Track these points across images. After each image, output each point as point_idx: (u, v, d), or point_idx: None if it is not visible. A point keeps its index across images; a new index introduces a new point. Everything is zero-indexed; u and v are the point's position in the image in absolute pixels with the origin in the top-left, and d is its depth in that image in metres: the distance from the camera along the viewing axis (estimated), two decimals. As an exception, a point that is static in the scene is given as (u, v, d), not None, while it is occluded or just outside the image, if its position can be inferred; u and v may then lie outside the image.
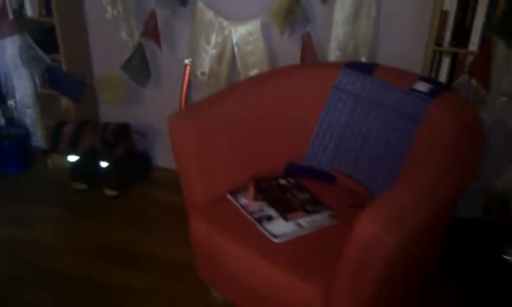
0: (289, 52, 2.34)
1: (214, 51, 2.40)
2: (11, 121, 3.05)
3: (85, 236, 2.34)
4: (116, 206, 2.58)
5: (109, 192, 2.63)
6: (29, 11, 2.53)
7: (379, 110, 1.76)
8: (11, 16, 2.55)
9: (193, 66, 2.45)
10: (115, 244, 2.28)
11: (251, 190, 1.70)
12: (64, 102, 2.84)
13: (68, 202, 2.61)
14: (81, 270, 2.11)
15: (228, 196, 1.70)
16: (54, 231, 2.39)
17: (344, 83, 1.85)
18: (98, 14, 2.54)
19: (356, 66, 1.88)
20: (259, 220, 1.57)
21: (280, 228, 1.53)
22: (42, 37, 2.59)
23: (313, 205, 1.67)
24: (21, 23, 2.59)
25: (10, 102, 3.00)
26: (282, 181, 1.81)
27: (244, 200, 1.67)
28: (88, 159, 2.64)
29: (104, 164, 2.60)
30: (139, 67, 2.57)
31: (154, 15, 2.41)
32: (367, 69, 1.84)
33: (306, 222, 1.57)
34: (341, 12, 2.16)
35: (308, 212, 1.63)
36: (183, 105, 2.53)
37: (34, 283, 2.05)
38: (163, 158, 2.88)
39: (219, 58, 2.41)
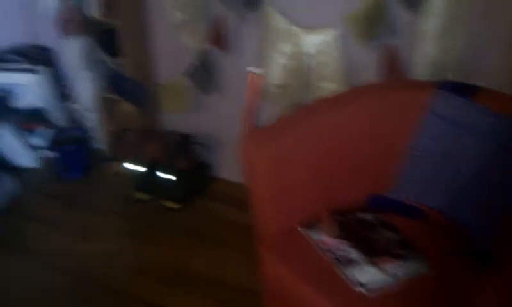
0: (367, 65, 2.13)
1: (284, 61, 2.23)
2: (74, 124, 3.03)
3: (142, 251, 2.27)
4: (176, 219, 2.48)
5: (171, 204, 2.55)
6: (93, 12, 2.46)
7: (481, 140, 1.53)
8: (76, 16, 2.49)
9: (261, 75, 2.30)
10: (172, 261, 2.20)
11: (328, 224, 1.52)
12: (125, 107, 2.77)
13: (129, 212, 2.55)
14: (134, 288, 2.04)
15: (301, 230, 1.53)
16: (111, 243, 2.34)
17: (440, 106, 1.63)
18: (164, 18, 2.44)
19: (453, 87, 1.65)
20: (339, 261, 1.39)
21: (366, 274, 1.35)
22: (105, 40, 2.52)
23: (403, 248, 1.47)
24: (86, 25, 2.53)
25: (74, 105, 2.98)
26: (363, 216, 1.61)
27: (319, 235, 1.49)
28: (151, 170, 2.56)
29: (166, 176, 2.51)
30: (204, 74, 2.46)
31: (222, 20, 2.27)
32: (466, 91, 1.61)
33: (396, 270, 1.37)
34: (431, 23, 1.92)
35: (397, 257, 1.42)
36: (248, 116, 2.38)
37: (84, 299, 2.00)
38: (225, 170, 2.76)
39: (289, 68, 2.24)
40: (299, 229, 1.55)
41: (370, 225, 1.57)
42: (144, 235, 2.38)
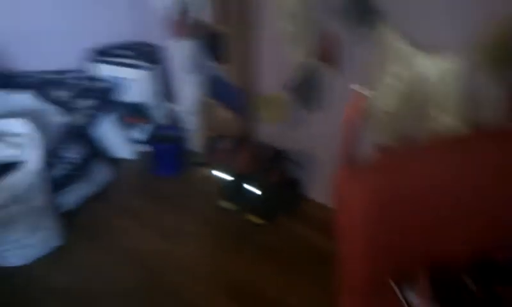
0: (493, 102, 1.82)
1: (395, 84, 2.01)
2: (172, 123, 3.07)
3: (218, 262, 2.21)
4: (258, 235, 2.39)
5: (255, 219, 2.46)
6: (206, 16, 2.46)
7: None
8: (188, 19, 2.50)
9: (366, 96, 2.09)
10: (246, 278, 2.11)
11: (423, 283, 1.28)
12: (223, 114, 2.74)
13: (211, 219, 2.50)
14: (201, 301, 1.96)
15: (393, 285, 1.31)
16: (189, 249, 2.30)
17: None
18: (272, 28, 2.35)
19: None
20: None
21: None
22: (213, 45, 2.51)
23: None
24: (195, 28, 2.53)
25: (176, 105, 3.02)
26: (467, 280, 1.34)
27: (413, 297, 1.27)
28: (240, 180, 2.49)
29: (254, 189, 2.43)
30: (307, 90, 2.32)
31: (332, 35, 2.12)
32: None
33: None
34: None
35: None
36: (346, 140, 2.19)
37: (150, 302, 1.96)
38: (316, 191, 2.60)
39: (400, 93, 2.01)
40: (391, 282, 1.33)
41: (471, 293, 1.30)
42: (223, 246, 2.32)
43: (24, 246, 2.12)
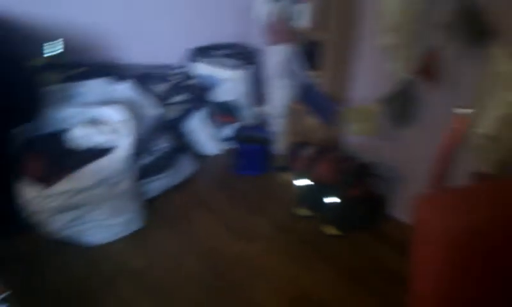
0: None
1: (502, 110, 1.82)
2: (260, 125, 3.08)
3: (286, 268, 2.16)
4: (331, 246, 2.31)
5: (330, 230, 2.39)
6: (302, 23, 2.43)
7: None
8: (284, 25, 2.49)
9: (468, 119, 1.93)
10: (312, 288, 2.05)
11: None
12: (311, 121, 2.69)
13: (287, 225, 2.46)
14: (264, 303, 1.95)
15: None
16: (259, 251, 2.27)
17: None
18: (372, 39, 2.25)
19: None
20: None
21: None
22: (308, 51, 2.49)
23: None
24: (292, 34, 2.51)
25: (264, 107, 3.03)
26: None
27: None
28: (318, 189, 2.43)
29: (332, 200, 2.34)
30: (402, 105, 2.19)
31: (437, 51, 1.97)
32: None
33: None
34: None
35: None
36: (440, 162, 2.04)
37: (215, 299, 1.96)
38: (399, 209, 2.47)
39: (507, 120, 1.82)
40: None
41: None
42: (294, 253, 2.26)
43: (106, 226, 2.23)
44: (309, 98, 2.53)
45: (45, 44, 2.44)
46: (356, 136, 2.51)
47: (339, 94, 2.52)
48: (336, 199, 2.36)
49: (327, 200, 2.38)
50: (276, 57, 2.64)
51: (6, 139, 2.06)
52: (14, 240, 2.13)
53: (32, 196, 2.09)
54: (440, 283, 1.24)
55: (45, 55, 2.44)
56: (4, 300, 0.99)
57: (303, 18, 2.43)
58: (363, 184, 2.40)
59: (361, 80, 2.50)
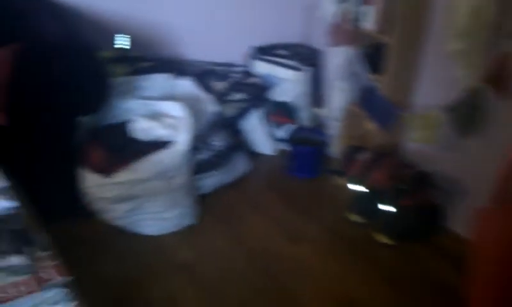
0: None
1: None
2: (317, 127, 3.06)
3: (336, 274, 2.13)
4: (383, 255, 2.26)
5: (382, 238, 2.33)
6: (368, 24, 2.38)
7: None
8: (348, 26, 2.45)
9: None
10: (360, 296, 2.01)
11: None
12: (369, 125, 2.63)
13: (338, 230, 2.42)
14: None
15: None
16: (308, 254, 2.25)
17: None
18: (439, 45, 2.17)
19: None
20: None
21: None
22: (371, 54, 2.44)
23: None
24: (356, 36, 2.47)
25: (322, 110, 3.00)
26: None
27: None
28: (373, 195, 2.38)
29: (386, 208, 2.28)
30: (468, 114, 2.10)
31: (508, 59, 1.86)
32: None
33: None
34: None
35: None
36: (503, 180, 1.92)
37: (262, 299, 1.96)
38: (459, 222, 2.36)
39: None
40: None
41: None
42: (344, 259, 2.23)
43: (160, 219, 2.28)
44: (369, 102, 2.47)
45: (115, 37, 2.54)
46: (415, 144, 2.43)
47: (400, 99, 2.45)
48: (390, 208, 2.29)
49: (381, 207, 2.32)
50: (338, 59, 2.61)
51: (73, 127, 2.16)
52: (74, 226, 2.22)
53: (94, 184, 2.18)
54: (500, 300, 1.17)
55: (114, 48, 2.54)
56: (64, 285, 1.03)
57: (368, 20, 2.38)
58: (420, 194, 2.32)
59: (425, 86, 2.41)
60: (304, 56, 3.06)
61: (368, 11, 2.36)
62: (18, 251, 1.12)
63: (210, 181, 2.58)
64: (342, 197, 2.59)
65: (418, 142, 2.34)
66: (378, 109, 2.42)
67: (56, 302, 1.01)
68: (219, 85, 2.85)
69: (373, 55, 2.44)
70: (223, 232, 2.35)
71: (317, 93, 3.11)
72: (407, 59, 2.38)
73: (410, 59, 2.39)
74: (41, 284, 1.02)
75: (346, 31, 2.48)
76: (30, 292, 1.00)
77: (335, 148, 2.87)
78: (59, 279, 1.04)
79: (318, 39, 2.99)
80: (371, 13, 2.35)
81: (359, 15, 2.42)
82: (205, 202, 2.49)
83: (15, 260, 1.09)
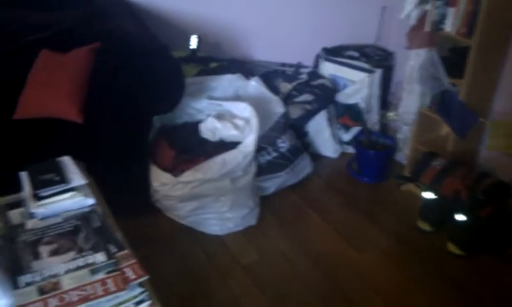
0: None
1: None
2: (384, 130, 2.98)
3: (400, 283, 2.06)
4: (452, 267, 2.16)
5: (454, 248, 2.23)
6: (448, 27, 2.28)
7: None
8: (427, 28, 2.35)
9: None
10: None
11: None
12: (443, 131, 2.51)
13: (404, 238, 2.34)
14: None
15: None
16: (372, 261, 2.19)
17: None
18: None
19: None
20: None
21: None
22: (451, 58, 2.33)
23: None
24: (435, 38, 2.37)
25: (391, 113, 2.91)
26: None
27: None
28: (446, 203, 2.27)
29: (460, 217, 2.18)
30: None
31: None
32: None
33: None
34: None
35: None
36: None
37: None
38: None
39: None
40: None
41: None
42: (410, 268, 2.14)
43: (223, 219, 2.29)
44: (446, 107, 2.36)
45: (188, 37, 2.58)
46: (492, 152, 2.30)
47: (480, 105, 2.33)
48: (463, 217, 2.17)
49: (454, 216, 2.21)
50: (415, 62, 2.51)
51: (147, 126, 2.21)
52: (141, 223, 2.27)
53: (162, 183, 2.22)
54: None
55: (184, 49, 2.58)
56: (140, 284, 1.03)
57: (449, 22, 2.28)
58: (497, 204, 2.18)
59: (507, 92, 2.27)
60: (375, 58, 2.98)
61: (450, 12, 2.26)
62: (100, 249, 1.14)
63: (273, 182, 2.57)
64: (411, 204, 2.50)
65: (498, 150, 2.23)
66: (455, 114, 2.31)
67: (138, 302, 1.02)
68: (286, 86, 2.82)
69: (452, 59, 2.34)
70: (285, 235, 2.32)
71: (386, 96, 3.02)
72: (489, 63, 2.27)
73: (492, 63, 2.28)
74: (127, 282, 1.03)
75: (425, 33, 2.38)
76: (116, 291, 1.01)
77: (405, 153, 2.77)
78: (140, 277, 1.05)
79: (392, 41, 2.90)
80: (452, 15, 2.25)
81: (439, 16, 2.32)
82: (266, 204, 2.48)
83: (98, 258, 1.11)
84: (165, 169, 2.24)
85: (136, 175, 2.24)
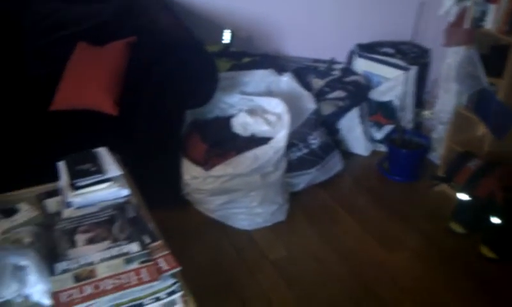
0: None
1: None
2: (417, 129, 2.93)
3: (431, 286, 2.02)
4: (486, 271, 2.11)
5: (487, 251, 2.17)
6: (489, 24, 2.21)
7: None
8: (467, 25, 2.29)
9: None
10: None
11: None
12: (480, 131, 2.44)
13: (436, 239, 2.29)
14: None
15: None
16: (403, 263, 2.15)
17: None
18: None
19: None
20: None
21: None
22: (489, 55, 2.25)
23: None
24: (474, 36, 2.30)
25: (426, 112, 2.84)
26: None
27: None
28: (480, 206, 2.22)
29: (495, 220, 2.12)
30: None
31: None
32: None
33: None
34: None
35: None
36: None
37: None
38: None
39: None
40: None
41: None
42: (442, 271, 2.10)
43: (252, 214, 2.29)
44: (484, 107, 2.29)
45: (222, 32, 2.59)
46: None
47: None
48: (498, 220, 2.12)
49: (489, 219, 2.16)
50: (452, 59, 2.45)
51: (181, 120, 2.23)
52: (171, 215, 2.29)
53: (193, 176, 2.24)
54: None
55: (217, 43, 2.59)
56: (173, 275, 1.04)
57: (489, 19, 2.21)
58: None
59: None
60: (410, 55, 2.92)
61: (491, 9, 2.20)
62: (134, 239, 1.16)
63: (303, 179, 2.55)
64: (443, 204, 2.45)
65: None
66: (494, 114, 2.24)
67: (170, 292, 1.03)
68: (319, 82, 2.80)
69: (492, 57, 2.27)
70: (314, 232, 2.31)
71: (421, 94, 2.95)
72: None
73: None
74: (160, 273, 1.05)
75: (464, 30, 2.32)
76: (150, 280, 1.02)
77: (438, 153, 2.71)
78: (173, 268, 1.06)
79: (429, 38, 2.84)
80: (493, 12, 2.18)
81: (480, 13, 2.25)
82: (295, 200, 2.47)
83: (133, 247, 1.13)
84: (196, 163, 2.26)
85: (167, 168, 2.26)
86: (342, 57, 3.06)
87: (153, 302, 1.01)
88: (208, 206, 2.30)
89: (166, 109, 2.10)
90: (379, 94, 2.90)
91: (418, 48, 3.03)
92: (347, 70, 2.96)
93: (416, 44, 3.06)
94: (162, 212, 2.16)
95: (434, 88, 2.78)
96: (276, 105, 2.38)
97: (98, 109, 2.12)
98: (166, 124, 2.16)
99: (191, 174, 2.25)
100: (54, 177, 1.39)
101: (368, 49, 2.99)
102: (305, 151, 2.51)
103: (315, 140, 2.55)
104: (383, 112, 2.91)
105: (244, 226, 2.29)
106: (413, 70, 2.85)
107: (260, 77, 2.61)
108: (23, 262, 1.08)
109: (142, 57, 2.17)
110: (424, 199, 2.59)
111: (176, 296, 1.04)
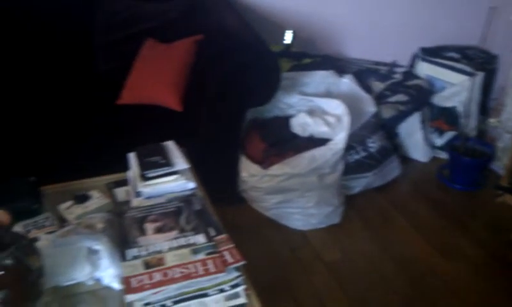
0: None
1: None
2: (481, 137, 2.84)
3: (489, 301, 1.95)
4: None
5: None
6: None
7: None
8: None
9: None
10: None
11: None
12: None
13: (497, 252, 2.21)
14: None
15: None
16: (460, 274, 2.08)
17: None
18: None
19: None
20: None
21: None
22: None
23: None
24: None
25: (492, 119, 2.74)
26: None
27: None
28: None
29: None
30: None
31: None
32: None
33: None
34: None
35: None
36: None
37: None
38: None
39: None
40: None
41: None
42: (504, 285, 2.02)
43: (307, 214, 2.29)
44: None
45: (283, 32, 2.60)
46: None
47: None
48: None
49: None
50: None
51: (242, 118, 2.27)
52: (229, 210, 2.34)
53: (251, 174, 2.27)
54: None
55: (280, 43, 2.61)
56: (237, 268, 1.07)
57: None
58: None
59: None
60: (477, 60, 2.82)
61: None
62: (200, 231, 1.20)
63: (359, 182, 2.53)
64: (506, 216, 2.38)
65: None
66: None
67: (234, 285, 1.06)
68: (379, 85, 2.76)
69: None
70: (369, 236, 2.29)
71: (487, 101, 2.85)
72: None
73: None
74: (226, 265, 1.08)
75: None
76: (216, 272, 1.06)
77: (502, 162, 2.60)
78: (238, 262, 1.09)
79: (498, 43, 2.73)
80: None
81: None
82: (351, 203, 2.45)
83: (199, 239, 1.17)
84: (254, 161, 2.29)
85: (227, 165, 2.30)
86: (403, 60, 3.00)
87: (217, 294, 1.04)
88: (264, 204, 2.32)
89: (228, 107, 2.14)
90: (442, 99, 2.82)
91: (485, 53, 2.92)
92: (409, 74, 2.90)
93: (484, 49, 2.94)
94: (219, 207, 2.23)
95: (501, 96, 2.67)
96: (336, 107, 2.37)
97: (164, 105, 2.19)
98: (228, 122, 2.19)
99: (249, 171, 2.29)
100: (121, 167, 1.44)
101: (433, 53, 2.92)
102: (363, 154, 2.49)
103: (373, 143, 2.52)
104: (446, 118, 2.83)
105: (299, 226, 2.30)
106: (480, 76, 2.75)
107: (320, 78, 2.61)
108: (96, 246, 1.14)
109: (208, 55, 2.22)
110: (486, 209, 2.51)
111: (240, 289, 1.06)
